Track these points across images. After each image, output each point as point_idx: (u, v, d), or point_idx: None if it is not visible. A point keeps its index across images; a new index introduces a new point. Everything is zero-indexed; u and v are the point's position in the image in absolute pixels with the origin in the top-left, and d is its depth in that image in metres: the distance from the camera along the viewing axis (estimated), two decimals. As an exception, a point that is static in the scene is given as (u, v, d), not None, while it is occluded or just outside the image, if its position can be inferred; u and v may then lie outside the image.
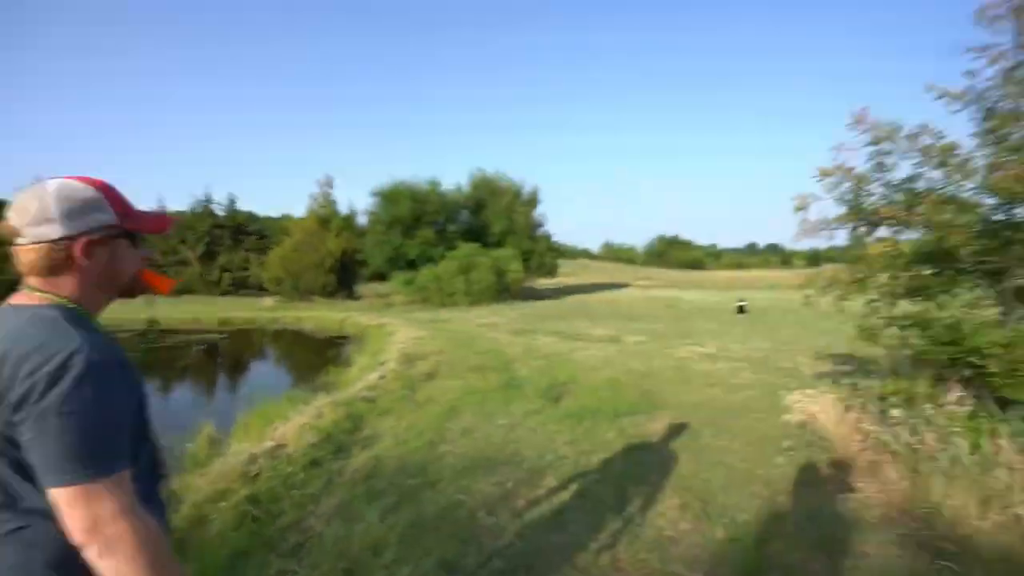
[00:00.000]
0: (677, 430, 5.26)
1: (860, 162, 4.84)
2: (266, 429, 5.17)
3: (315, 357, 12.37)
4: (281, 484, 3.88)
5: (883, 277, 4.84)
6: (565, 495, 3.81)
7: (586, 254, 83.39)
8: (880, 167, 4.69)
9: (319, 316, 19.97)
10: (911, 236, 4.46)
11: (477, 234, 28.20)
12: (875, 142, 4.63)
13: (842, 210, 5.05)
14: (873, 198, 4.81)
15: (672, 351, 10.02)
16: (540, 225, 31.18)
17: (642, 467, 4.33)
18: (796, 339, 11.71)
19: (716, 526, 3.40)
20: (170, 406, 9.04)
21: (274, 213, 44.18)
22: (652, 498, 3.78)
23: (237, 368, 12.33)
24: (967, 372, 3.82)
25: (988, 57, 4.31)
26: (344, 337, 15.76)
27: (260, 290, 30.32)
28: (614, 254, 78.69)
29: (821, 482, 4.02)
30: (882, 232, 4.90)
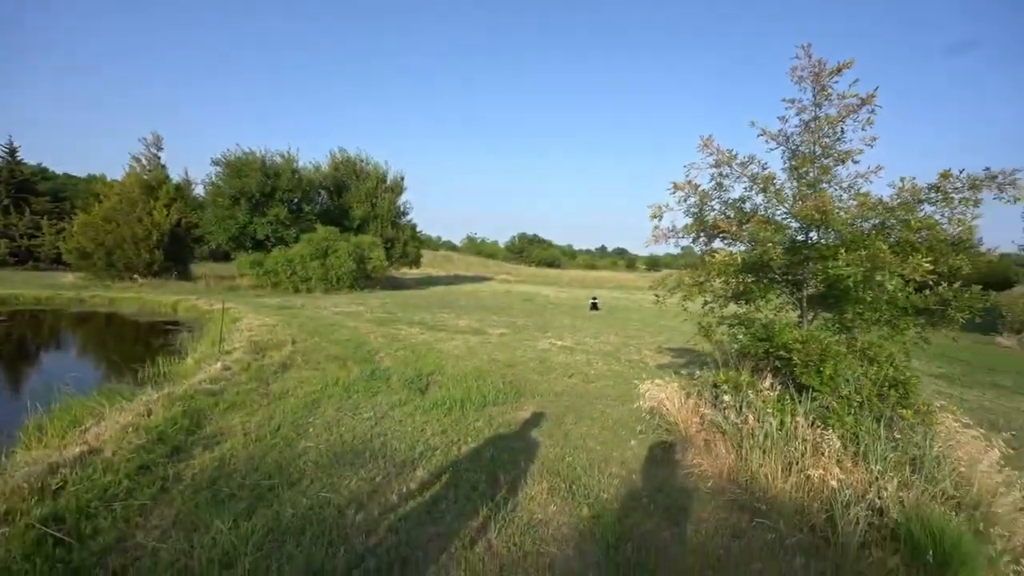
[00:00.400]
0: (542, 417, 5.50)
1: (705, 181, 5.55)
2: (71, 432, 4.17)
3: (138, 346, 10.40)
4: (96, 497, 3.16)
5: (718, 282, 5.60)
6: (437, 486, 3.76)
7: (450, 246, 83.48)
8: (719, 187, 5.41)
9: (142, 298, 16.87)
10: (740, 248, 5.20)
11: (336, 217, 26.35)
12: (716, 165, 5.32)
13: (689, 221, 5.73)
14: (713, 213, 5.53)
15: (533, 343, 10.44)
16: (404, 213, 30.33)
17: (511, 453, 4.45)
18: (641, 334, 13.01)
19: (582, 505, 3.63)
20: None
21: (76, 171, 36.15)
22: (522, 483, 3.89)
23: (23, 359, 9.78)
24: (777, 363, 4.59)
25: (795, 108, 5.22)
26: (175, 323, 13.52)
27: (57, 264, 24.66)
28: (476, 248, 79.68)
29: (667, 460, 4.51)
30: (717, 244, 5.66)
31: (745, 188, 5.31)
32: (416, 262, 30.68)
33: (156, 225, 22.61)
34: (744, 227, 5.06)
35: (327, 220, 25.35)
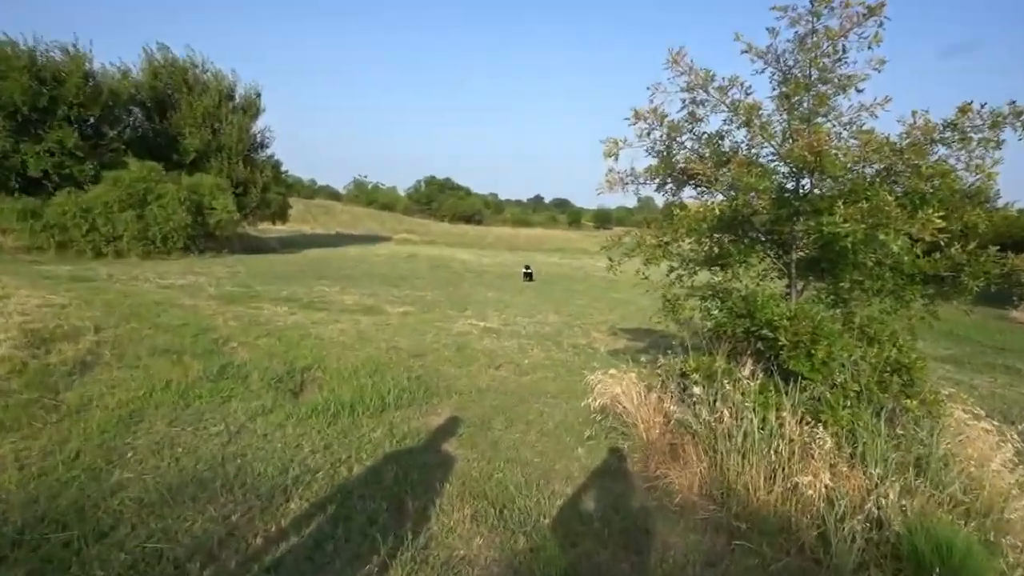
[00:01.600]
0: (462, 423, 5.50)
1: (674, 110, 5.60)
2: None
3: None
4: None
5: (687, 243, 5.75)
6: (322, 520, 3.64)
7: (330, 194, 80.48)
8: (692, 118, 5.50)
9: None
10: (717, 199, 5.35)
11: (159, 148, 24.17)
12: (689, 88, 5.38)
13: (652, 162, 5.79)
14: (683, 152, 5.62)
15: (447, 325, 10.39)
16: (263, 146, 28.66)
17: (422, 472, 4.40)
18: (589, 311, 13.34)
19: (516, 535, 3.64)
20: None
21: None
22: (438, 510, 3.86)
23: None
24: (760, 345, 4.82)
25: (787, 19, 5.35)
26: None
27: None
28: (368, 196, 77.38)
29: (624, 472, 4.64)
30: (688, 193, 5.79)
31: (724, 121, 5.43)
32: (282, 215, 29.41)
33: None
34: (722, 171, 5.18)
35: (144, 151, 23.19)
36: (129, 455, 4.35)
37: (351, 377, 6.54)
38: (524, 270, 20.58)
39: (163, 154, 23.91)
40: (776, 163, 5.40)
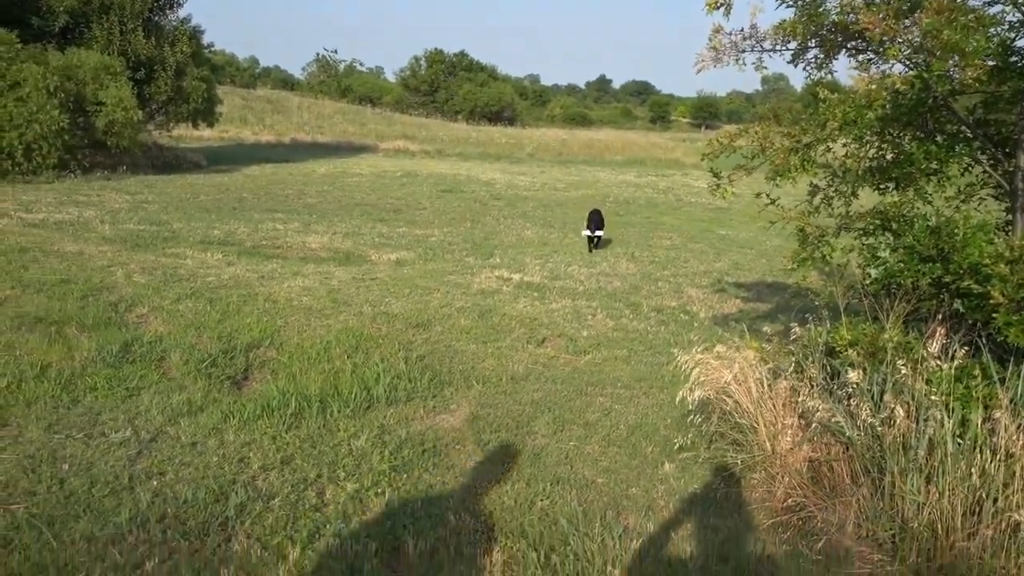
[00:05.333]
0: (487, 426, 5.58)
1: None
2: None
3: None
4: None
5: (840, 146, 5.60)
6: (281, 573, 3.70)
7: (281, 80, 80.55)
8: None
9: None
10: (894, 70, 5.18)
11: (7, 9, 24.39)
12: None
13: (789, 16, 5.62)
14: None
15: (464, 279, 10.51)
16: (173, 5, 28.85)
17: (427, 500, 4.49)
18: (683, 257, 13.32)
19: (568, 598, 3.69)
20: None
21: None
22: (451, 554, 3.91)
23: None
24: (958, 305, 4.69)
25: None
26: None
27: None
28: (339, 84, 77.18)
29: (738, 501, 4.65)
30: (845, 65, 5.62)
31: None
32: (208, 114, 29.84)
33: None
34: (906, 23, 4.99)
35: (-3, 17, 23.54)
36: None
37: (320, 358, 6.67)
38: (588, 232, 14.95)
39: (15, 17, 24.08)
40: (1002, 5, 5.18)
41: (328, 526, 4.12)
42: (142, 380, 6.06)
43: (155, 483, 4.48)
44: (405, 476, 4.76)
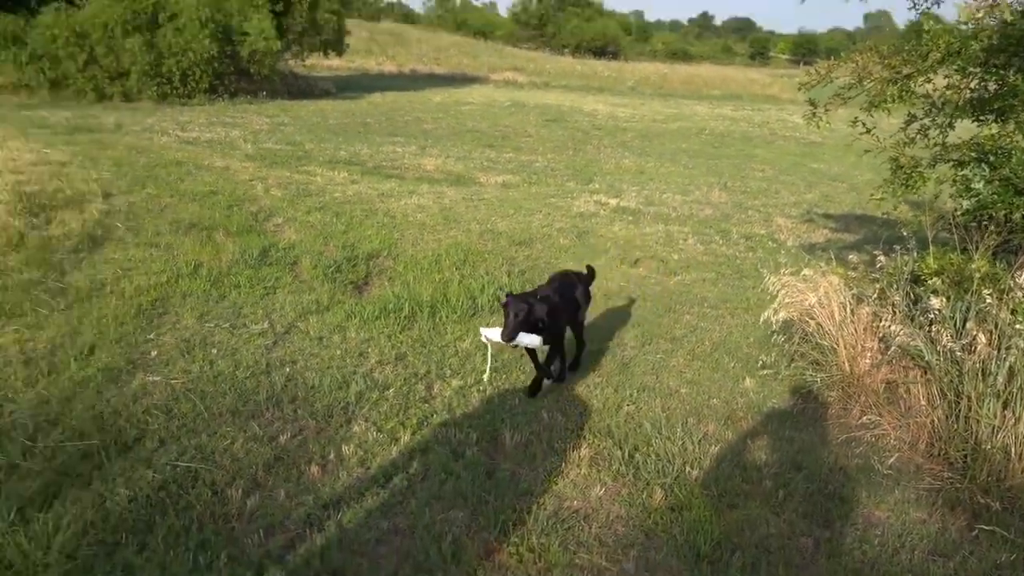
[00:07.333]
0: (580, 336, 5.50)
1: None
2: None
3: None
4: None
5: (941, 78, 5.25)
6: (393, 453, 3.84)
7: (404, 15, 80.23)
8: None
9: None
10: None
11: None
12: None
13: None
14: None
15: (565, 202, 10.34)
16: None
17: (525, 400, 4.52)
18: (774, 188, 12.86)
19: (651, 488, 3.69)
20: None
21: None
22: (544, 447, 3.97)
23: None
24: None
25: None
26: None
27: None
28: (456, 19, 76.44)
29: (813, 415, 4.56)
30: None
31: None
32: (337, 45, 29.81)
33: None
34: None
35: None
36: (153, 354, 4.77)
37: (432, 269, 6.73)
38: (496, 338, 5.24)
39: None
40: None
41: (435, 416, 4.24)
42: (277, 281, 6.26)
43: (288, 370, 4.68)
44: (504, 377, 4.82)
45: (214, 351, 4.88)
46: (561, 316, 4.52)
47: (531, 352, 4.46)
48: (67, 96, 20.26)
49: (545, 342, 4.32)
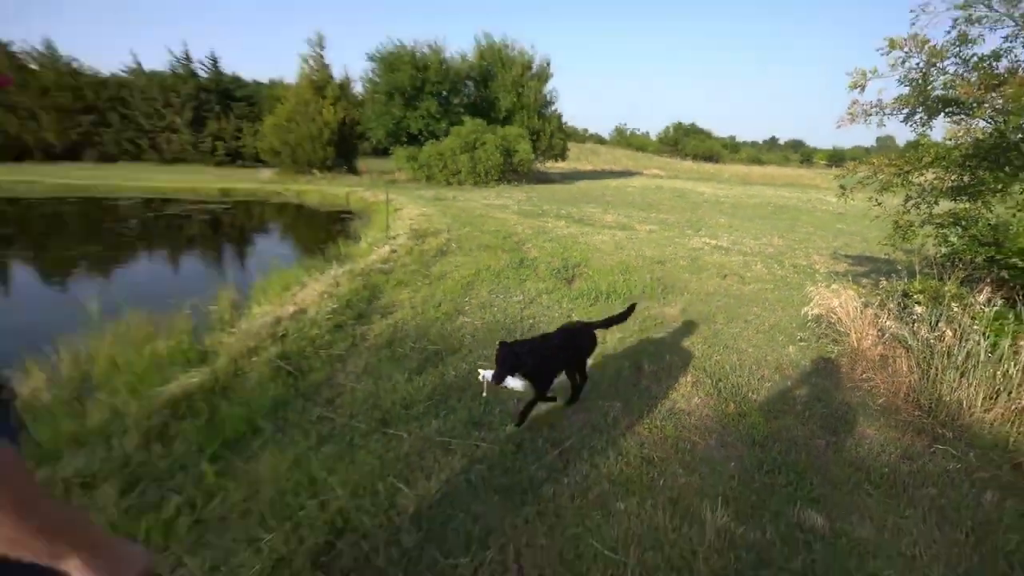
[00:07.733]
0: (690, 315, 5.40)
1: (939, 34, 4.34)
2: (284, 295, 5.22)
3: (320, 231, 12.27)
4: (309, 345, 4.00)
5: (930, 174, 4.59)
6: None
7: (597, 139, 79.53)
8: (962, 40, 4.19)
9: (321, 190, 19.49)
10: (979, 125, 4.11)
11: (483, 109, 26.43)
12: (965, 5, 4.08)
13: (904, 91, 4.63)
14: (943, 77, 4.37)
15: (684, 241, 9.97)
16: (550, 103, 29.21)
17: (656, 346, 4.49)
18: (812, 238, 11.60)
19: (728, 402, 3.59)
20: (182, 273, 9.15)
21: (260, 77, 41.01)
22: (666, 374, 3.95)
23: (243, 239, 12.31)
24: (1004, 274, 3.75)
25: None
26: (348, 212, 15.53)
27: (257, 161, 29.25)
28: (626, 141, 74.47)
29: (830, 371, 4.18)
30: (939, 125, 4.55)
31: (1005, 38, 4.04)
32: (562, 155, 29.96)
33: (326, 124, 25.12)
34: (991, 94, 3.93)
35: (474, 112, 25.63)
36: (467, 308, 5.22)
37: (608, 273, 6.76)
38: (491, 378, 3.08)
39: (485, 113, 26.10)
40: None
41: (608, 351, 4.32)
42: (526, 276, 6.50)
43: (531, 320, 4.93)
44: (646, 333, 4.80)
45: (494, 308, 5.22)
46: (549, 363, 3.11)
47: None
48: (433, 184, 22.22)
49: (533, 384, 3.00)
